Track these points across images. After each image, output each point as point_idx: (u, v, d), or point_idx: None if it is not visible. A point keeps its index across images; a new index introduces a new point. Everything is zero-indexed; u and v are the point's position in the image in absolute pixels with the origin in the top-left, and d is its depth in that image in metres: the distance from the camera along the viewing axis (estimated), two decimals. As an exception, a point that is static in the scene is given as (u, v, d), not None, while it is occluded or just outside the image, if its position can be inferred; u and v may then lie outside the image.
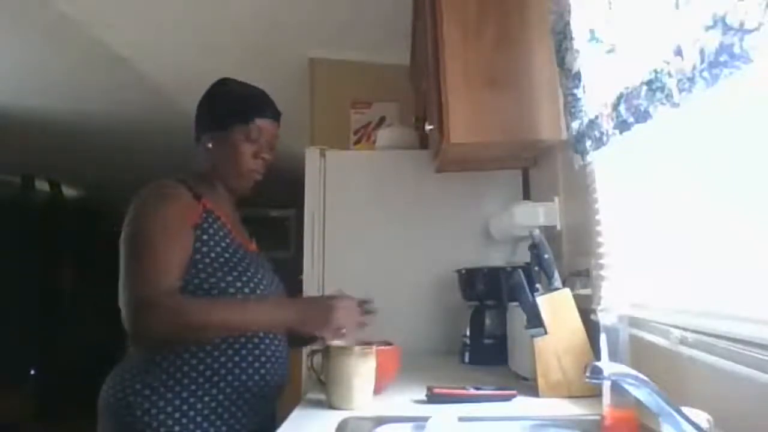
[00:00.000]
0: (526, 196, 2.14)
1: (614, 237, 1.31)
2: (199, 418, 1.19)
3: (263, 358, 1.27)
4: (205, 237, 1.26)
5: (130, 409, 1.17)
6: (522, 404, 1.23)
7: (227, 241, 1.30)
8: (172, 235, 1.22)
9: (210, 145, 1.36)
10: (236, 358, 1.23)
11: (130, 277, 1.18)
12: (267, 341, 1.28)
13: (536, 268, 1.38)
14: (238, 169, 1.36)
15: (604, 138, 1.14)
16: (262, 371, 1.26)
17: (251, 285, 1.27)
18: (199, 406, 1.20)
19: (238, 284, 1.26)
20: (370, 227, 2.19)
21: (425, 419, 1.03)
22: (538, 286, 1.34)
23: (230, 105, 1.37)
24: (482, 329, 1.83)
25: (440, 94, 1.70)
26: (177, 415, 1.18)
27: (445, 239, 2.16)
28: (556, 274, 1.36)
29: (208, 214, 1.29)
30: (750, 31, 0.65)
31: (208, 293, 1.23)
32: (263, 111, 1.37)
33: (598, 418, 0.99)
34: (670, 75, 0.85)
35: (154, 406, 1.17)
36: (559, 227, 1.69)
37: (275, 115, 1.40)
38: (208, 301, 1.22)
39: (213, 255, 1.26)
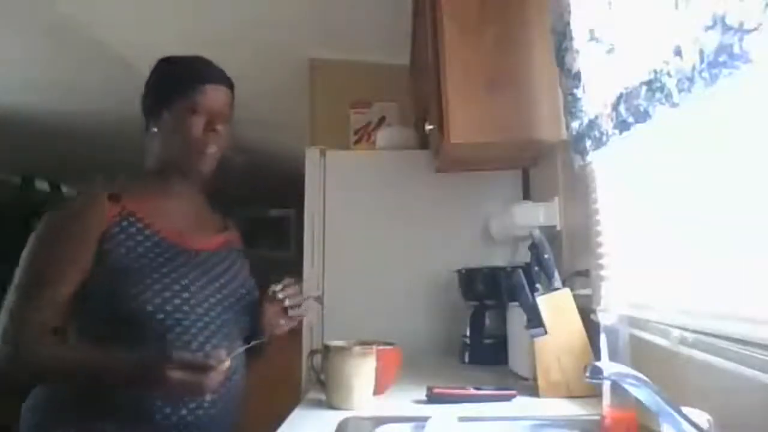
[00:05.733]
0: (526, 196, 2.14)
1: (614, 237, 1.31)
2: None
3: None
4: (110, 245, 1.15)
5: None
6: (522, 404, 1.23)
7: (149, 243, 1.18)
8: (57, 268, 1.13)
9: (156, 130, 1.25)
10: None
11: (4, 307, 1.12)
12: None
13: (536, 268, 1.38)
14: (189, 147, 1.22)
15: (604, 138, 1.14)
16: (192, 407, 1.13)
17: (174, 289, 1.15)
18: None
19: (158, 286, 1.14)
20: (370, 227, 2.19)
21: (425, 419, 1.04)
22: (538, 286, 1.34)
23: (168, 80, 1.25)
24: (482, 329, 1.83)
25: (440, 94, 1.70)
26: None
27: (445, 239, 2.15)
28: (556, 274, 1.37)
29: (126, 217, 1.18)
30: (749, 31, 0.65)
31: (112, 302, 1.12)
32: (205, 78, 1.23)
33: (598, 418, 0.99)
34: (669, 75, 0.85)
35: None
36: (559, 227, 1.69)
37: (221, 81, 1.26)
38: (61, 351, 1.11)
39: (126, 261, 1.14)
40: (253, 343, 1.20)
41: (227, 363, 1.02)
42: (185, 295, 1.16)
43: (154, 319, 1.12)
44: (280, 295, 1.24)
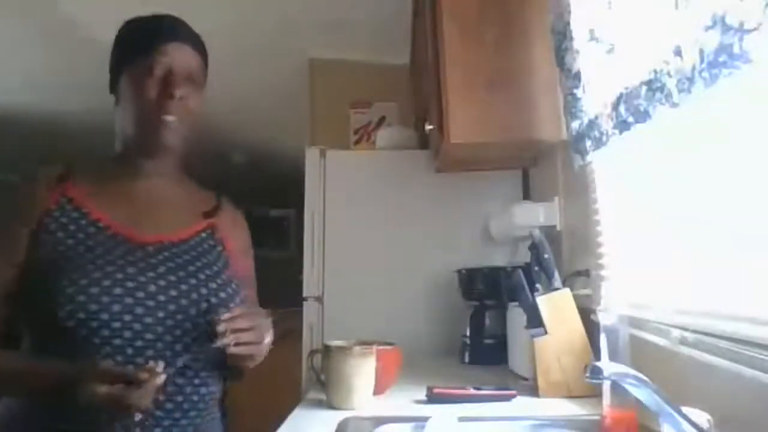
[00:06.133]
0: (526, 196, 2.14)
1: (614, 237, 1.31)
2: None
3: None
4: (44, 236, 1.01)
5: None
6: (522, 404, 1.23)
7: (82, 234, 1.02)
8: None
9: (116, 103, 1.10)
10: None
11: None
12: None
13: (536, 268, 1.38)
14: (144, 115, 1.05)
15: (604, 138, 1.14)
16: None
17: (91, 292, 0.95)
18: None
19: (71, 290, 0.95)
20: (370, 227, 2.19)
21: (425, 419, 1.04)
22: (538, 286, 1.34)
23: (124, 42, 1.10)
24: (482, 329, 1.83)
25: (440, 94, 1.70)
26: None
27: (445, 239, 2.16)
28: (556, 274, 1.37)
29: (63, 204, 1.04)
30: (749, 31, 0.65)
31: (35, 302, 0.98)
32: (163, 35, 1.06)
33: (598, 418, 0.99)
34: (669, 75, 0.85)
35: None
36: (559, 227, 1.70)
37: (185, 39, 1.09)
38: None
39: (53, 255, 0.99)
40: (184, 359, 0.99)
41: (161, 378, 0.87)
42: (105, 299, 0.96)
43: (66, 328, 0.95)
44: (220, 328, 0.94)
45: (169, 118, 1.04)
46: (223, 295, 1.06)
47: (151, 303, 0.99)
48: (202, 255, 1.10)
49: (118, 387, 0.85)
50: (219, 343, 0.94)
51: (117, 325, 0.96)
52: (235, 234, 1.20)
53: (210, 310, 1.03)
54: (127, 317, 0.97)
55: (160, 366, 0.89)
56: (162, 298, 1.00)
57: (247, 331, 0.97)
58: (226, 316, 0.96)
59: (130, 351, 0.96)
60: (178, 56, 1.06)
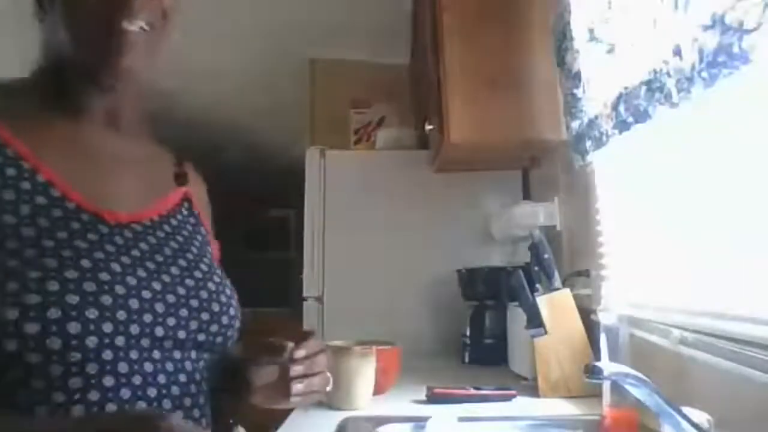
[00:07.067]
0: (526, 196, 2.14)
1: (614, 237, 1.31)
2: None
3: None
4: None
5: None
6: (522, 404, 1.23)
7: (28, 207, 0.63)
8: None
9: (41, 19, 0.75)
10: None
11: None
12: None
13: (536, 268, 1.38)
14: (90, 22, 0.69)
15: (604, 138, 1.14)
16: None
17: (72, 298, 0.60)
18: None
19: (56, 286, 0.59)
20: (370, 227, 2.19)
21: (425, 419, 1.04)
22: (538, 286, 1.35)
23: None
24: (482, 329, 1.83)
25: (440, 94, 1.70)
26: None
27: (445, 239, 2.16)
28: (556, 274, 1.37)
29: None
30: (749, 31, 0.65)
31: None
32: None
33: (598, 418, 0.99)
34: (669, 75, 0.85)
35: None
36: (559, 227, 1.70)
37: None
38: None
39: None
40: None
41: None
42: (91, 314, 0.61)
43: (27, 363, 0.59)
44: (298, 369, 0.70)
45: (131, 25, 0.68)
46: (223, 299, 0.76)
47: (147, 317, 0.66)
48: (190, 240, 0.78)
49: None
50: (293, 391, 0.69)
51: (108, 355, 0.62)
52: (206, 208, 0.89)
53: (218, 299, 0.74)
54: (119, 340, 0.63)
55: (201, 426, 0.58)
56: (160, 308, 0.67)
57: (319, 375, 0.72)
58: (301, 353, 0.68)
59: (109, 381, 0.62)
60: None
